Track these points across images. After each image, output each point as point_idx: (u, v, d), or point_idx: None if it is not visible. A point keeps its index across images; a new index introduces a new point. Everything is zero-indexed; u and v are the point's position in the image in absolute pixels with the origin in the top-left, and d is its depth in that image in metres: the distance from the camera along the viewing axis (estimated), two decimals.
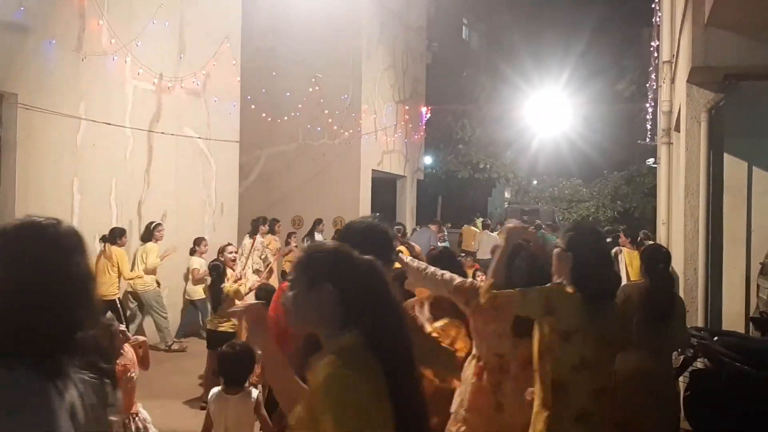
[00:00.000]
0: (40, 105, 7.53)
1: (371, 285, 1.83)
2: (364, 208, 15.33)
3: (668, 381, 4.14)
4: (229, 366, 4.04)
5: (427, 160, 23.38)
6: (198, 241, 9.41)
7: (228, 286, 6.86)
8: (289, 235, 11.67)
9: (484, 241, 15.02)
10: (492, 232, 15.62)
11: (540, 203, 28.74)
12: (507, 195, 33.14)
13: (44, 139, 7.66)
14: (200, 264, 9.11)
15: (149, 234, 8.97)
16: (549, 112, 23.05)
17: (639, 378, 3.86)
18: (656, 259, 4.24)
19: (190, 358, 8.28)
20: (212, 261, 7.61)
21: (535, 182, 32.49)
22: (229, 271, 7.18)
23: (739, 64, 5.30)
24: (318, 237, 12.11)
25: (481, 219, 19.57)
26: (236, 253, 8.19)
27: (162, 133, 9.58)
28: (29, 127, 7.43)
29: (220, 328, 6.78)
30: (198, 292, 9.04)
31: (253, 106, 13.17)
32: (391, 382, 1.73)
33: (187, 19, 10.03)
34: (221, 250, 8.16)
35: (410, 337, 1.85)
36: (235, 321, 6.59)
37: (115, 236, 8.31)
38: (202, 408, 5.63)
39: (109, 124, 8.61)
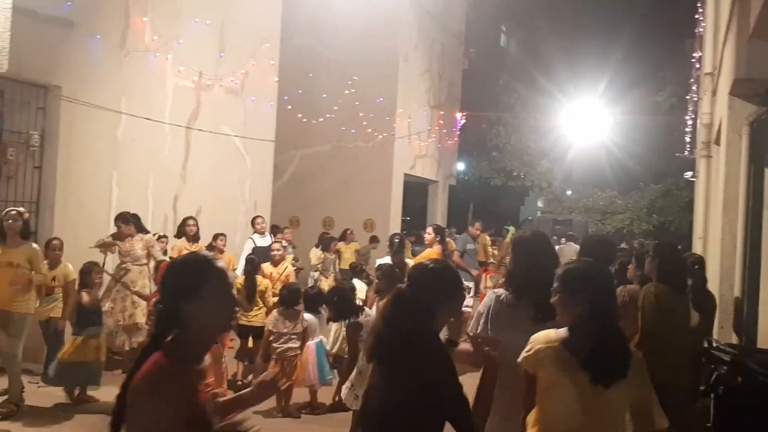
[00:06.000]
0: (82, 98, 7.71)
1: None
2: (395, 212, 15.34)
3: None
4: None
5: (460, 166, 23.27)
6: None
7: (259, 279, 7.26)
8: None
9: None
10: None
11: (573, 213, 28.39)
12: (540, 204, 32.83)
13: (86, 132, 7.83)
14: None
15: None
16: (586, 122, 22.76)
17: None
18: None
19: None
20: (248, 254, 7.88)
21: (569, 192, 32.12)
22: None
23: None
24: (258, 239, 9.54)
25: (512, 228, 19.23)
26: (224, 244, 8.63)
27: (200, 130, 9.72)
28: (72, 119, 7.61)
29: (253, 321, 7.13)
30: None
31: (289, 107, 13.28)
32: None
33: (228, 19, 10.18)
34: (215, 238, 8.56)
35: None
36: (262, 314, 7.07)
37: None
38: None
39: (149, 119, 8.77)
